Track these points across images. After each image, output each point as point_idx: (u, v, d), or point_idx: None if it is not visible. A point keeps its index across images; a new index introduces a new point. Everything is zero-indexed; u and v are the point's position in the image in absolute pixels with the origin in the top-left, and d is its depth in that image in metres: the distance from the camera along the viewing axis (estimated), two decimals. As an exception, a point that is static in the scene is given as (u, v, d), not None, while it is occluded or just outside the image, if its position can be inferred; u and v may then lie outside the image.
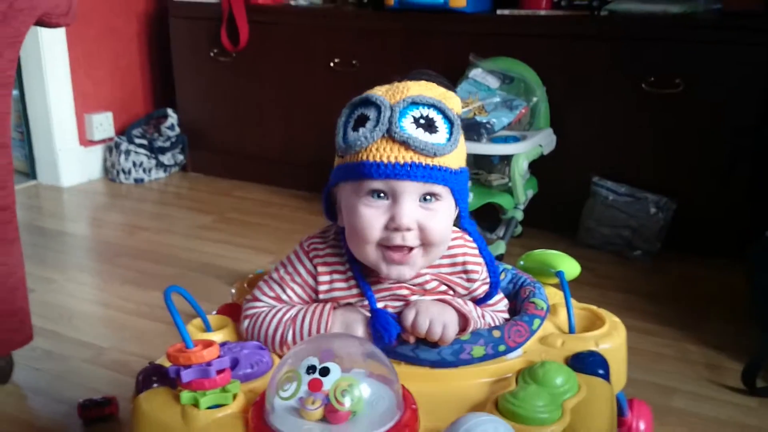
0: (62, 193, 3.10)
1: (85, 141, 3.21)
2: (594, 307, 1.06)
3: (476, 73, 2.46)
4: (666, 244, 2.38)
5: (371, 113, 0.88)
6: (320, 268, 0.96)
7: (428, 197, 0.89)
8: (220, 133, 3.27)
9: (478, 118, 2.30)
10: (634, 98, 2.39)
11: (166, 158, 3.28)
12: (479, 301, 0.99)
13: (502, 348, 0.93)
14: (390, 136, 0.86)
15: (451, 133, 0.89)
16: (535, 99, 2.41)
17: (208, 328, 0.98)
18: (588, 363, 0.91)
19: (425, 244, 0.90)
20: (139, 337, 1.86)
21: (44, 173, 3.17)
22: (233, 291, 1.13)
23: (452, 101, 0.91)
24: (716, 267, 2.29)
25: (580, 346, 0.96)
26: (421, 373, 0.91)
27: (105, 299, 2.12)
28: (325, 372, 0.74)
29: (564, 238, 2.50)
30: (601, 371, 0.91)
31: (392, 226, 0.88)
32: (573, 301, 1.06)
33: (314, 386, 0.73)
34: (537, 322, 0.98)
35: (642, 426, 1.32)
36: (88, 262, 2.47)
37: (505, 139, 2.30)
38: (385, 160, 0.86)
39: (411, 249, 0.90)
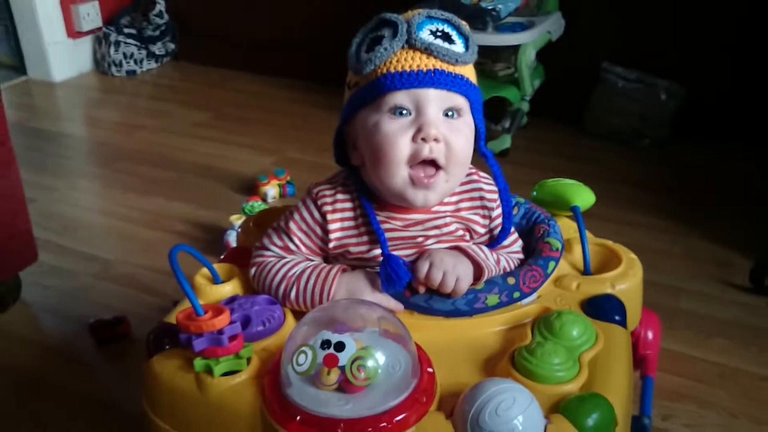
0: (54, 89, 3.02)
1: (74, 33, 3.09)
2: (610, 243, 1.04)
3: (480, -47, 2.32)
4: (676, 131, 2.33)
5: (386, 31, 0.86)
6: (329, 216, 0.93)
7: (450, 113, 0.88)
8: (211, 18, 3.14)
9: (483, 4, 2.19)
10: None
11: (156, 48, 3.16)
12: (494, 242, 0.97)
13: (516, 295, 0.91)
14: (411, 45, 0.85)
15: (467, 46, 0.88)
16: (543, -20, 2.28)
17: (216, 280, 0.96)
18: (604, 309, 0.90)
19: (449, 163, 0.88)
20: (146, 248, 1.85)
21: (34, 68, 3.07)
22: (238, 230, 1.11)
23: (464, 23, 0.90)
24: (728, 154, 2.25)
25: (596, 289, 0.94)
26: (435, 324, 0.90)
27: (108, 208, 2.10)
28: (340, 347, 0.73)
29: (571, 127, 2.45)
30: (617, 317, 0.90)
31: (420, 136, 0.85)
32: (588, 235, 1.03)
33: (330, 362, 0.72)
34: (552, 264, 0.96)
35: (650, 335, 1.33)
36: (87, 167, 2.43)
37: (512, 27, 2.19)
38: (408, 69, 0.84)
39: (437, 169, 0.88)
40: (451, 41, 0.87)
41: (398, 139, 0.86)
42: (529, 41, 2.16)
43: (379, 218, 0.92)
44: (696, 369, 1.42)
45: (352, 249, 0.93)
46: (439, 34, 0.86)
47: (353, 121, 0.91)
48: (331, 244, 0.93)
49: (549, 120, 2.46)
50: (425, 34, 0.85)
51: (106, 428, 1.29)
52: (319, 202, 0.93)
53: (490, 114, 2.35)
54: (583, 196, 1.07)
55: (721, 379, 1.39)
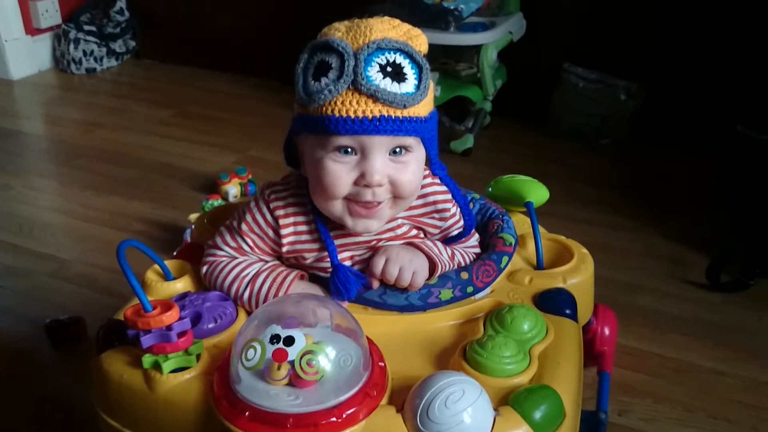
0: (13, 87, 2.96)
1: (32, 30, 3.04)
2: (562, 238, 1.05)
3: (443, -48, 2.32)
4: (636, 131, 2.36)
5: (333, 61, 0.81)
6: (282, 221, 0.91)
7: (398, 149, 0.84)
8: (175, 14, 3.10)
9: (445, 4, 2.19)
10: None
11: (117, 45, 3.12)
12: (451, 239, 0.97)
13: (470, 289, 0.92)
14: (356, 87, 0.80)
15: (420, 80, 0.83)
16: (505, -20, 2.29)
17: (168, 276, 0.94)
18: (555, 302, 0.91)
19: (395, 197, 0.86)
20: (103, 247, 1.82)
21: (-9, 65, 3.02)
22: (192, 227, 1.09)
23: (418, 40, 0.85)
24: (686, 155, 2.28)
25: (548, 284, 0.95)
26: (390, 319, 0.90)
27: (65, 206, 2.06)
28: (289, 341, 0.72)
29: (533, 127, 2.47)
30: (568, 311, 0.91)
31: (362, 182, 0.84)
32: (542, 230, 1.04)
33: (279, 356, 0.72)
34: (505, 259, 0.96)
35: (607, 332, 1.34)
36: (45, 165, 2.39)
37: (474, 27, 2.20)
38: (352, 115, 0.80)
39: (379, 203, 0.86)
40: (402, 76, 0.82)
41: (341, 181, 0.84)
42: (490, 41, 2.17)
43: (330, 224, 0.91)
44: (652, 364, 1.43)
45: (306, 255, 0.93)
46: (389, 69, 0.81)
47: (300, 136, 0.89)
48: (284, 249, 0.93)
49: (511, 119, 2.47)
50: (373, 71, 0.81)
51: (60, 429, 1.27)
52: (271, 206, 0.92)
53: (453, 113, 2.39)
54: (537, 193, 1.08)
55: (677, 374, 1.41)
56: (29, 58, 3.04)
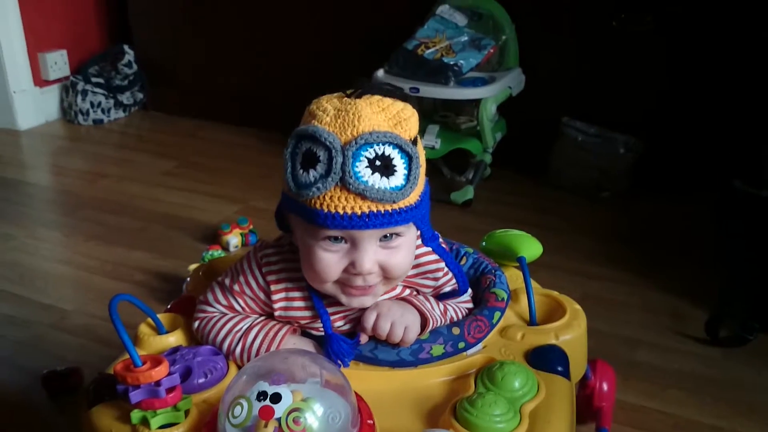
0: (19, 137, 3.00)
1: (40, 81, 3.09)
2: (555, 294, 1.05)
3: (443, 9, 2.38)
4: (635, 184, 2.38)
5: (321, 153, 0.79)
6: (273, 286, 0.92)
7: (389, 235, 0.84)
8: (181, 69, 3.16)
9: (445, 60, 2.24)
10: (604, 36, 2.33)
11: (125, 97, 3.17)
12: (444, 295, 0.98)
13: (461, 345, 0.92)
14: (344, 185, 0.79)
15: (409, 170, 0.81)
16: (504, 37, 2.34)
17: (161, 330, 0.95)
18: (547, 359, 0.91)
19: (387, 278, 0.87)
20: (104, 298, 1.78)
21: (-1, 116, 3.07)
22: (188, 280, 1.10)
23: (407, 124, 0.83)
24: (685, 208, 2.29)
25: (540, 340, 0.95)
26: (381, 374, 0.90)
27: (67, 257, 2.08)
28: (276, 398, 0.72)
29: (532, 179, 2.49)
30: (560, 368, 0.90)
31: (353, 271, 0.84)
32: (535, 285, 1.04)
33: (265, 414, 0.71)
34: (497, 315, 0.96)
35: (605, 387, 1.34)
36: (49, 215, 2.41)
37: (474, 82, 2.24)
38: (341, 211, 0.79)
39: (371, 286, 0.87)
40: (391, 170, 0.80)
41: (331, 270, 0.85)
42: (489, 95, 2.21)
43: (323, 294, 0.91)
44: (651, 420, 1.42)
45: (300, 321, 0.93)
46: (377, 163, 0.80)
47: (291, 215, 0.88)
48: (276, 313, 0.93)
49: (511, 172, 2.50)
50: (362, 167, 0.79)
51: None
52: (264, 270, 0.92)
53: (454, 165, 2.41)
54: (530, 247, 1.09)
55: (677, 430, 1.39)
56: (37, 108, 3.09)
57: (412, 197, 0.83)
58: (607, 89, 2.39)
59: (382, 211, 0.80)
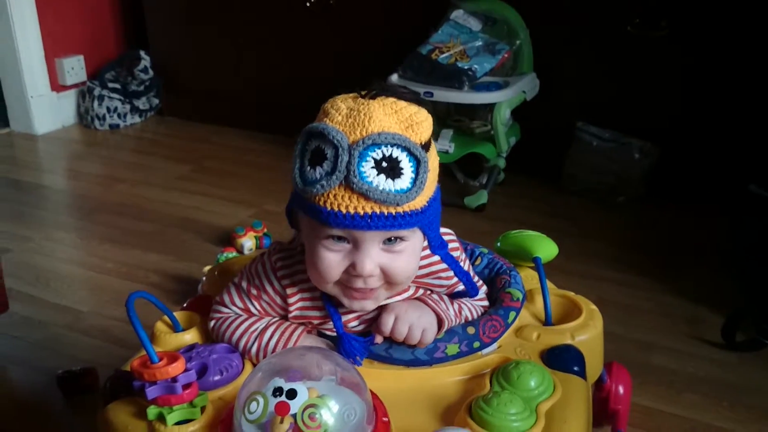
0: (36, 142, 3.03)
1: (57, 86, 3.12)
2: (571, 294, 1.04)
3: (458, 14, 2.38)
4: (650, 190, 2.37)
5: (329, 151, 0.79)
6: (289, 290, 0.92)
7: (392, 239, 0.83)
8: (196, 75, 3.18)
9: (459, 64, 2.24)
10: (618, 41, 2.32)
11: (140, 103, 3.20)
12: (458, 294, 0.97)
13: (476, 344, 0.92)
14: (348, 184, 0.78)
15: (416, 174, 0.80)
16: (518, 42, 2.34)
17: (177, 328, 0.95)
18: (563, 359, 0.91)
19: (389, 283, 0.86)
20: (119, 299, 1.79)
21: (17, 121, 3.09)
22: (203, 279, 1.11)
23: (420, 127, 0.81)
24: (701, 214, 2.27)
25: (556, 340, 0.95)
26: (396, 373, 0.90)
27: (83, 259, 2.09)
28: (292, 394, 0.72)
29: (547, 184, 2.48)
30: (576, 368, 0.90)
31: (354, 273, 0.84)
32: (551, 286, 1.04)
33: (281, 410, 0.72)
34: (512, 315, 0.96)
35: (621, 390, 1.33)
36: (65, 218, 2.42)
37: (488, 86, 2.24)
38: (344, 210, 0.79)
39: (372, 289, 0.86)
40: (397, 172, 0.79)
41: (332, 270, 0.84)
42: (503, 100, 2.21)
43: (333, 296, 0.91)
44: (667, 424, 1.41)
45: (313, 320, 0.94)
46: (384, 165, 0.79)
47: (298, 212, 0.88)
48: (292, 315, 0.93)
49: (526, 177, 2.49)
50: (368, 167, 0.78)
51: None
52: (279, 274, 0.93)
53: (467, 169, 2.41)
54: (546, 248, 1.08)
55: (693, 434, 1.39)
56: (54, 113, 3.12)
57: (419, 202, 0.82)
58: (622, 94, 2.38)
59: (386, 213, 0.80)
